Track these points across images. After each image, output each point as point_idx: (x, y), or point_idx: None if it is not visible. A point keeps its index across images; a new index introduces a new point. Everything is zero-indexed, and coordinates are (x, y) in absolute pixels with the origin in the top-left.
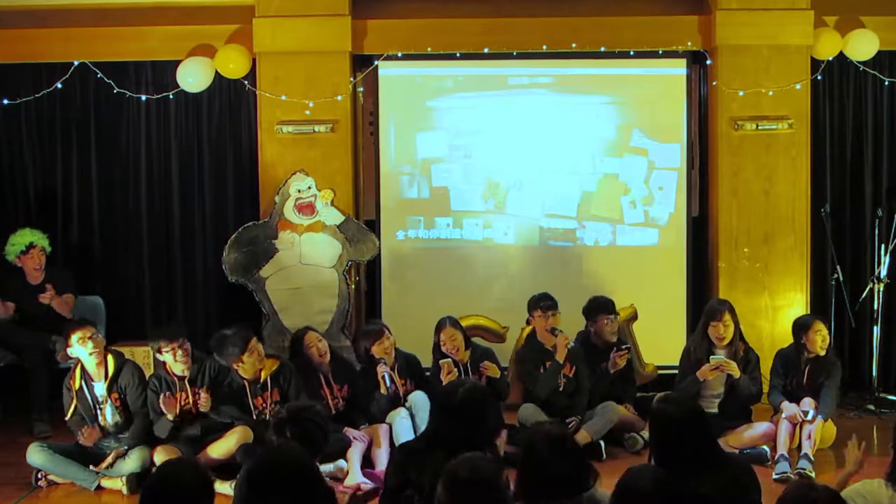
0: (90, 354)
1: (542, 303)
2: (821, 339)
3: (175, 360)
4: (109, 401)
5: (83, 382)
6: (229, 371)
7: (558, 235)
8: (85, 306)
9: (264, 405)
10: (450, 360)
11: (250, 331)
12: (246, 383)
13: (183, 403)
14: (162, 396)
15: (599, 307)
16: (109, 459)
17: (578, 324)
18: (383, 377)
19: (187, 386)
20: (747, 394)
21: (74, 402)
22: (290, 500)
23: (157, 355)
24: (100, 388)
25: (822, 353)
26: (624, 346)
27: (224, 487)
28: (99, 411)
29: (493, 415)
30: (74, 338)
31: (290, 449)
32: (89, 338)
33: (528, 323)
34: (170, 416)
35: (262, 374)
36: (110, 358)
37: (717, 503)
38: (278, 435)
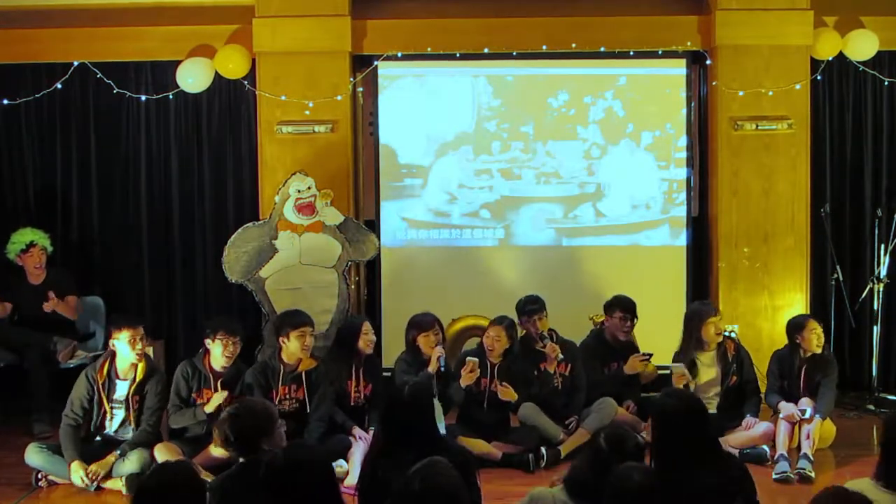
0: (135, 355)
1: (528, 307)
2: (816, 337)
3: (223, 353)
4: (128, 403)
5: (108, 378)
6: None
7: (559, 236)
8: (85, 306)
9: (286, 396)
10: (476, 360)
11: (312, 321)
12: (282, 367)
13: (206, 400)
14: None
15: (617, 304)
16: (101, 466)
17: (575, 324)
18: (439, 358)
19: (219, 386)
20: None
21: (98, 394)
22: (304, 498)
23: (208, 341)
24: (122, 387)
25: (819, 350)
26: (647, 354)
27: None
28: (108, 409)
29: (433, 415)
30: (125, 335)
31: (306, 449)
32: (140, 338)
33: (519, 324)
34: (208, 410)
35: (301, 366)
36: (141, 363)
37: (712, 498)
38: (218, 433)
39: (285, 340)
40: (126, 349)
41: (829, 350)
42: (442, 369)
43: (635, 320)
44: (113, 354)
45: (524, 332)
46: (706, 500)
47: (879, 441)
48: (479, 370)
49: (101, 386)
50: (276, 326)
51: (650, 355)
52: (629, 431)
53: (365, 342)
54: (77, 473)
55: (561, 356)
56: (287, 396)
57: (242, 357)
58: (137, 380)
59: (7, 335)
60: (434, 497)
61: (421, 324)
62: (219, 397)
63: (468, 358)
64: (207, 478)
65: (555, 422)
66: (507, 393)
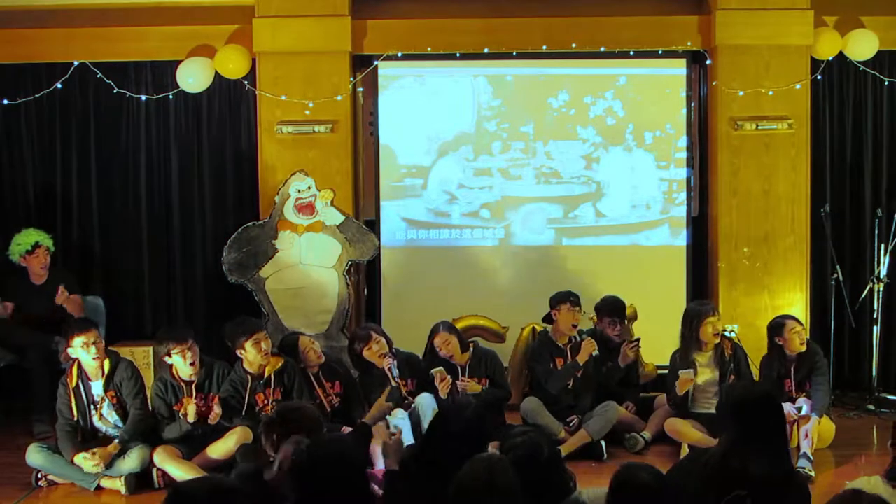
0: (93, 359)
1: (572, 297)
2: (797, 336)
3: (185, 363)
4: (107, 399)
5: (80, 381)
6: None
7: (559, 236)
8: (85, 306)
9: (265, 402)
10: (441, 368)
11: (262, 324)
12: (249, 377)
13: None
14: (187, 408)
15: (604, 309)
16: (102, 452)
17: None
18: (389, 369)
19: (194, 391)
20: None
21: (73, 400)
22: (337, 491)
23: (166, 358)
24: (97, 388)
25: (803, 349)
26: (635, 339)
27: None
28: (94, 410)
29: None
30: (78, 341)
31: (335, 442)
32: (92, 343)
33: (550, 319)
34: (190, 420)
35: (266, 370)
36: (106, 360)
37: (763, 487)
38: (267, 436)
39: (242, 352)
40: (83, 354)
41: (815, 344)
42: (396, 380)
43: (625, 322)
44: (77, 360)
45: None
46: (754, 484)
47: (890, 441)
48: (449, 377)
49: (73, 391)
50: (228, 339)
51: (638, 340)
52: (541, 440)
53: (312, 357)
54: (83, 461)
55: (596, 352)
56: (266, 402)
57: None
58: (106, 374)
59: (9, 335)
60: (501, 492)
61: (359, 337)
62: (192, 407)
63: (432, 371)
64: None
65: (557, 419)
66: (471, 386)
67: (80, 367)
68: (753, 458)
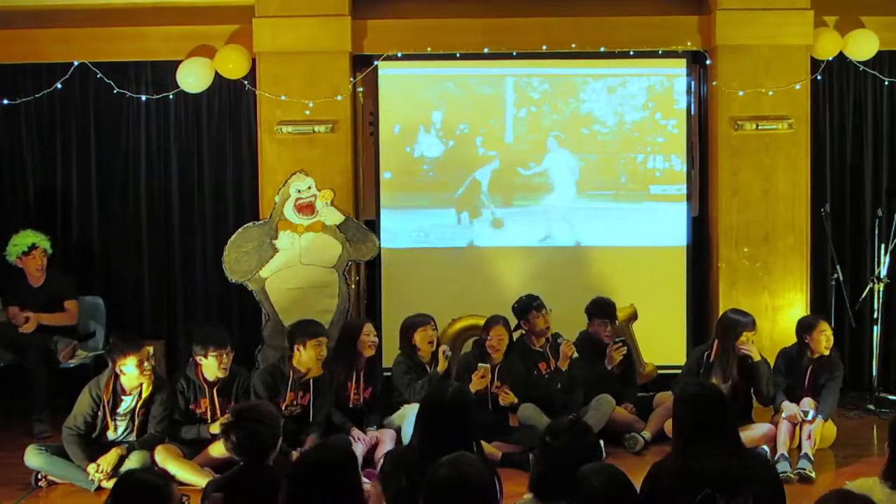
0: (146, 376)
1: (535, 303)
2: (825, 339)
3: (219, 367)
4: (132, 416)
5: (113, 394)
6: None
7: (559, 235)
8: (85, 306)
9: (293, 401)
10: (487, 366)
11: (327, 332)
12: (291, 373)
13: (204, 410)
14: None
15: (594, 311)
16: (106, 464)
17: (575, 324)
18: (444, 352)
19: (215, 394)
20: (765, 394)
21: (103, 412)
22: (330, 497)
23: (200, 358)
24: (127, 402)
25: (826, 353)
26: (618, 340)
27: None
28: (113, 422)
29: (475, 418)
30: (132, 360)
31: (333, 448)
32: (147, 359)
33: (520, 327)
34: (213, 431)
35: (309, 373)
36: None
37: (725, 481)
38: (226, 438)
39: (300, 348)
40: (135, 373)
41: (839, 358)
42: (447, 356)
43: (615, 322)
44: (117, 374)
45: (523, 332)
46: (715, 480)
47: (888, 441)
48: (489, 375)
49: (106, 403)
50: (290, 334)
51: (622, 340)
52: (564, 421)
53: (365, 344)
54: (95, 473)
55: (576, 354)
56: (294, 402)
57: (241, 357)
58: (144, 396)
59: (7, 335)
60: (461, 485)
61: (416, 321)
62: (222, 420)
63: (480, 364)
64: (207, 477)
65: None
66: (507, 398)
67: (117, 380)
68: (706, 456)
